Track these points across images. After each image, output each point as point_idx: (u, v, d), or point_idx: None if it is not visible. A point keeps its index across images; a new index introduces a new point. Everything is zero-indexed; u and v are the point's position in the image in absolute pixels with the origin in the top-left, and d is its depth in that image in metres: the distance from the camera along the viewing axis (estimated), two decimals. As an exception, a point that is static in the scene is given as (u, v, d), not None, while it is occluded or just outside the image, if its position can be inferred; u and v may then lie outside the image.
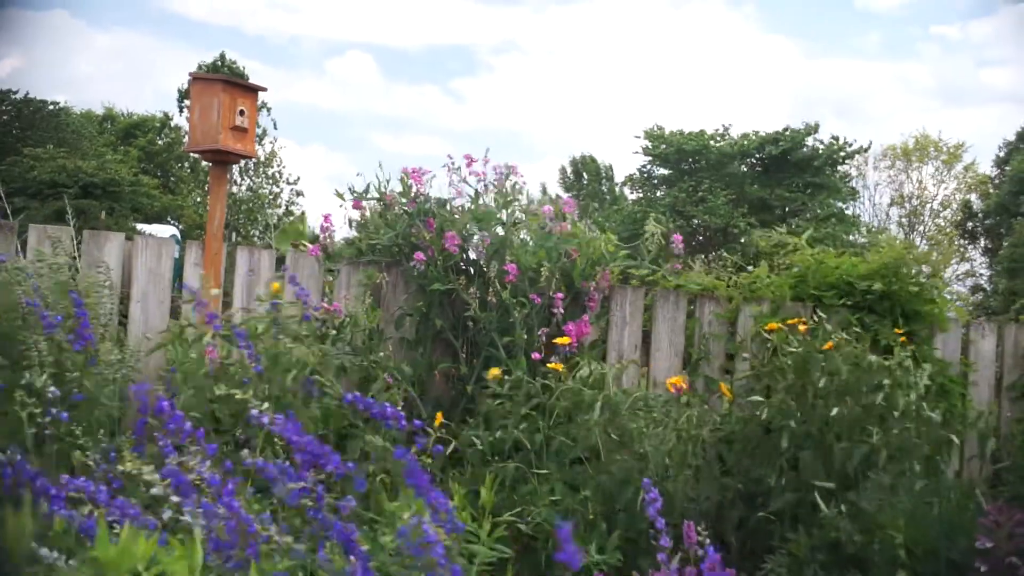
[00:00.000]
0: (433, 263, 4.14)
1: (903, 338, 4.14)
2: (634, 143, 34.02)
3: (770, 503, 3.55)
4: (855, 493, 3.22)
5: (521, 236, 4.40)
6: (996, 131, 58.29)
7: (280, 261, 4.41)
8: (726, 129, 28.43)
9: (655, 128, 28.74)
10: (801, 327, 3.86)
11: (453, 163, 4.39)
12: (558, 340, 3.95)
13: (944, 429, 3.67)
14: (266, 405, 2.11)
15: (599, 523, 3.12)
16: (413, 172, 4.37)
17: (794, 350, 3.77)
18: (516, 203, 4.44)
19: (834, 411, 3.47)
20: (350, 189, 4.37)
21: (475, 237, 4.27)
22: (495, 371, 3.81)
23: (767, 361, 4.08)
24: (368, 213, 4.41)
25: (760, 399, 3.70)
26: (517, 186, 4.44)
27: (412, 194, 4.31)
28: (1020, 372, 5.07)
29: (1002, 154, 35.04)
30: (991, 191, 33.20)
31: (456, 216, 4.29)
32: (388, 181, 4.36)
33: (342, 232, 4.57)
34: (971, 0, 48.74)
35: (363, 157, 52.21)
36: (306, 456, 2.03)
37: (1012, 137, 34.92)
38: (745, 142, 27.89)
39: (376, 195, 4.38)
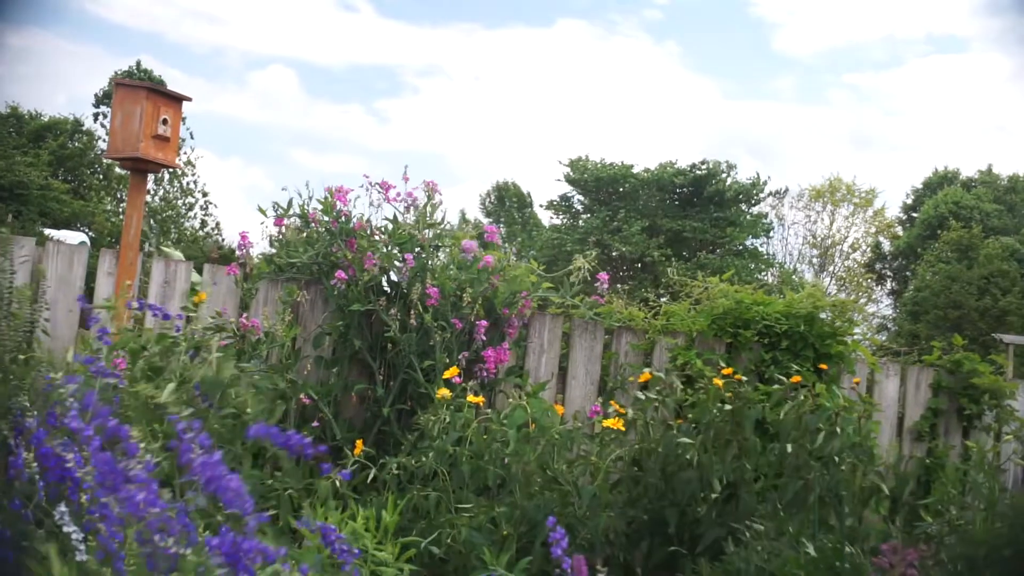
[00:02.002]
0: (354, 283, 4.11)
1: (809, 377, 4.25)
2: (555, 170, 34.42)
3: (680, 536, 3.60)
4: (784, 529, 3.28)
5: (442, 260, 4.39)
6: (904, 177, 60.47)
7: (198, 273, 4.33)
8: (658, 168, 28.89)
9: (581, 158, 29.07)
10: (739, 375, 3.93)
11: (371, 183, 4.37)
12: (448, 373, 3.88)
13: (853, 473, 3.76)
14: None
15: (512, 544, 3.11)
16: (338, 191, 4.34)
17: (729, 398, 3.82)
18: (436, 226, 4.43)
19: (788, 447, 3.55)
20: (274, 205, 4.32)
21: (396, 259, 4.25)
22: (444, 391, 3.77)
23: (687, 393, 4.14)
24: (288, 230, 4.35)
25: (688, 440, 3.74)
26: (435, 206, 4.43)
27: (335, 213, 4.28)
28: (921, 413, 5.23)
29: (910, 200, 36.40)
30: (899, 235, 34.38)
31: (376, 237, 4.27)
32: (311, 199, 4.33)
33: (260, 248, 4.52)
34: (883, 51, 50.56)
35: (282, 172, 51.52)
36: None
37: (920, 184, 36.34)
38: (663, 174, 28.30)
39: (299, 212, 4.33)
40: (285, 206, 4.31)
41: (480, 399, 3.76)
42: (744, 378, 3.96)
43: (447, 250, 4.45)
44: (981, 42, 49.48)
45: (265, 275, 4.28)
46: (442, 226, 4.45)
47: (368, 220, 4.33)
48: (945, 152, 58.45)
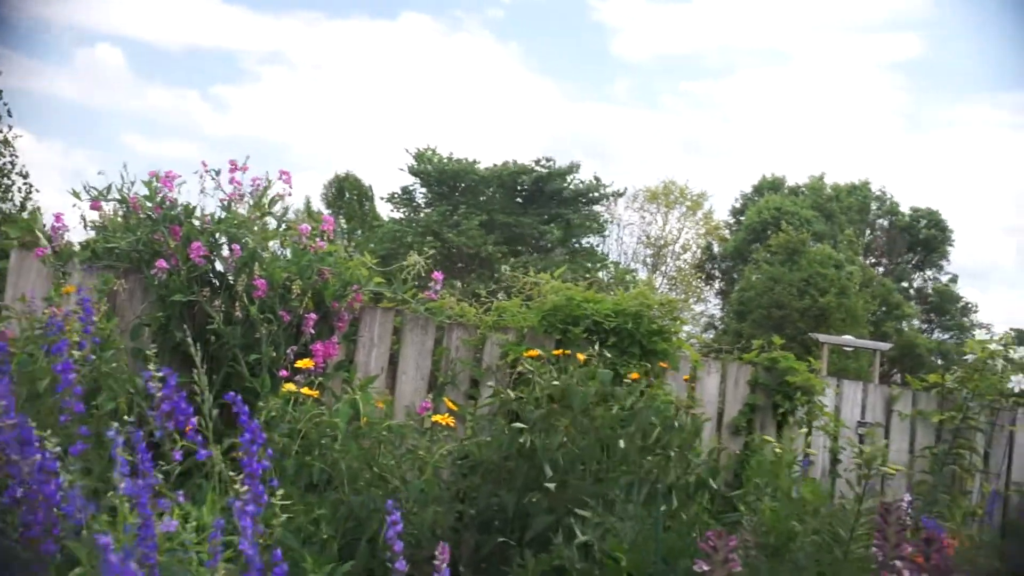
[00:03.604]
0: (176, 272, 3.96)
1: (638, 373, 4.37)
2: (398, 160, 34.13)
3: (510, 527, 3.63)
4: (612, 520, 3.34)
5: (274, 250, 4.28)
6: (732, 183, 63.10)
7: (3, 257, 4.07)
8: (499, 166, 29.04)
9: (427, 149, 28.97)
10: (581, 355, 3.97)
11: (207, 170, 4.23)
12: (302, 363, 3.85)
13: (679, 463, 3.89)
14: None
15: (332, 544, 3.06)
16: (164, 176, 4.16)
17: (556, 383, 3.86)
18: (272, 216, 4.33)
19: (620, 443, 3.60)
20: (85, 187, 4.10)
21: (224, 248, 4.11)
22: (289, 386, 3.66)
23: (518, 387, 4.18)
24: (106, 215, 4.14)
25: (522, 425, 3.77)
26: (276, 199, 4.33)
27: (159, 199, 4.10)
28: (739, 409, 5.46)
29: (738, 204, 38.06)
30: (727, 238, 35.88)
31: (206, 226, 4.12)
32: (133, 183, 4.13)
33: (78, 234, 4.29)
34: (718, 60, 52.61)
35: (110, 157, 48.98)
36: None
37: (748, 189, 38.05)
38: (505, 171, 28.52)
39: (118, 197, 4.13)
40: (103, 189, 4.10)
41: (315, 392, 3.70)
42: (571, 353, 4.02)
43: (280, 240, 4.34)
44: (806, 56, 52.19)
45: (81, 261, 4.06)
46: (278, 216, 4.34)
47: (196, 207, 4.18)
48: (771, 159, 61.28)
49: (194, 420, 2.92)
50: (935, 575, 2.83)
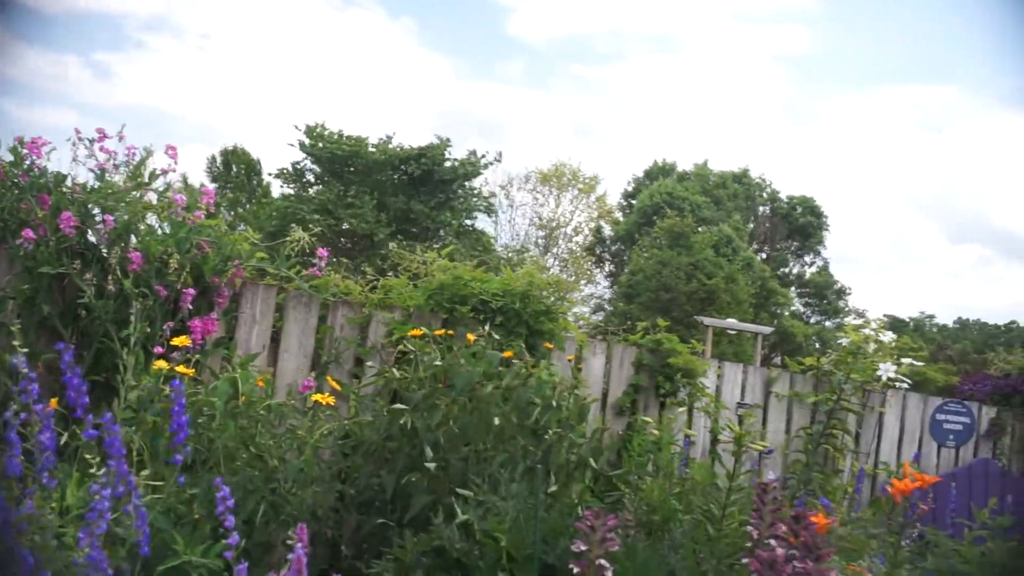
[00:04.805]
0: (45, 243, 3.78)
1: (521, 352, 4.37)
2: (288, 136, 33.25)
3: (389, 508, 3.59)
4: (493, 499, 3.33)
5: (150, 223, 4.13)
6: (623, 167, 63.92)
7: None
8: (389, 138, 28.58)
9: (318, 125, 28.34)
10: (471, 335, 3.94)
11: (80, 137, 4.05)
12: (177, 340, 3.73)
13: (560, 443, 3.91)
14: None
15: (205, 524, 2.97)
16: (31, 142, 3.97)
17: (439, 363, 3.82)
18: (152, 189, 4.17)
19: (496, 421, 3.58)
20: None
21: (97, 220, 3.94)
22: (161, 363, 3.52)
23: (402, 368, 4.13)
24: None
25: (402, 407, 3.72)
26: (156, 171, 4.18)
27: (26, 166, 3.90)
28: (623, 389, 5.53)
29: (630, 188, 38.61)
30: (619, 221, 36.37)
31: (77, 195, 3.94)
32: (-3, 149, 3.92)
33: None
34: (610, 45, 53.09)
35: (-22, 123, 46.52)
36: None
37: (640, 174, 38.63)
38: (396, 152, 28.11)
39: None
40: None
41: (191, 370, 3.58)
42: (454, 334, 4.00)
43: (157, 213, 4.19)
44: (697, 44, 53.18)
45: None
46: (158, 187, 4.18)
47: (67, 176, 4.00)
48: (659, 145, 62.27)
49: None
50: (804, 552, 2.91)
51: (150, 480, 3.04)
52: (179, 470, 3.11)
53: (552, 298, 5.07)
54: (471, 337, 4.13)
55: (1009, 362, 7.75)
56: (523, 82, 52.07)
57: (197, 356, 3.74)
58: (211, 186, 19.32)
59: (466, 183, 29.06)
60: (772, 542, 2.98)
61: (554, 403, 3.87)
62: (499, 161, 29.78)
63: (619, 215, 37.39)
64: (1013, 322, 42.98)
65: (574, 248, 35.36)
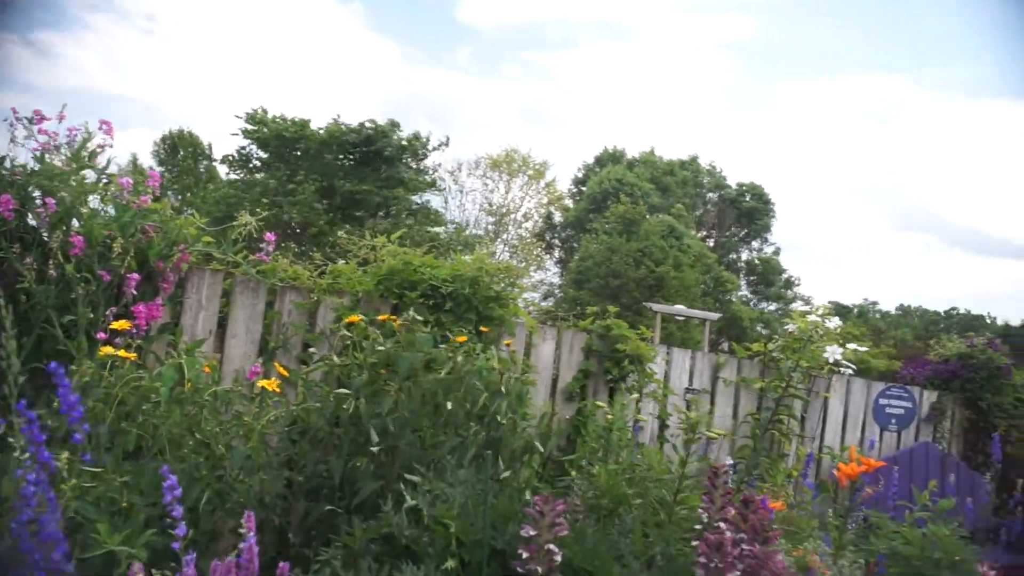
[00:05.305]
0: (-18, 227, 3.68)
1: (465, 337, 4.36)
2: (234, 123, 32.70)
3: (338, 495, 3.56)
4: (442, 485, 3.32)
5: (94, 206, 4.04)
6: (572, 153, 64.10)
7: None
8: (335, 120, 28.14)
9: (258, 111, 27.87)
10: (400, 322, 3.90)
11: (18, 117, 3.94)
12: (117, 324, 3.65)
13: (507, 428, 3.90)
14: None
15: (138, 514, 2.92)
16: (-32, 123, 3.86)
17: (382, 348, 3.79)
18: (92, 169, 4.07)
19: (448, 406, 3.55)
20: None
21: (37, 202, 3.85)
22: (107, 348, 3.44)
23: (346, 353, 4.09)
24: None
25: (346, 392, 3.69)
26: (96, 151, 4.08)
27: (-38, 147, 3.80)
28: (573, 375, 5.55)
29: (580, 174, 38.72)
30: (569, 207, 36.47)
31: (16, 177, 3.84)
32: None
33: None
34: (560, 32, 53.11)
35: (-90, 103, 45.25)
36: None
37: (591, 160, 38.76)
38: (336, 131, 27.50)
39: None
40: None
41: (133, 355, 3.51)
42: (400, 321, 3.97)
43: (100, 195, 4.10)
44: (646, 32, 53.41)
45: None
46: (99, 169, 4.09)
47: (5, 157, 3.89)
48: (608, 131, 62.57)
49: None
50: (752, 535, 2.95)
51: (91, 467, 2.97)
52: (120, 457, 3.06)
53: (502, 284, 5.07)
54: (403, 321, 4.06)
55: (948, 348, 7.91)
56: (473, 69, 51.96)
57: (139, 342, 3.67)
58: (158, 169, 18.97)
59: (413, 163, 28.76)
60: (722, 525, 3.02)
61: (502, 388, 3.86)
62: (446, 146, 29.58)
63: (569, 201, 37.49)
64: (953, 308, 44.02)
65: (524, 234, 35.38)
